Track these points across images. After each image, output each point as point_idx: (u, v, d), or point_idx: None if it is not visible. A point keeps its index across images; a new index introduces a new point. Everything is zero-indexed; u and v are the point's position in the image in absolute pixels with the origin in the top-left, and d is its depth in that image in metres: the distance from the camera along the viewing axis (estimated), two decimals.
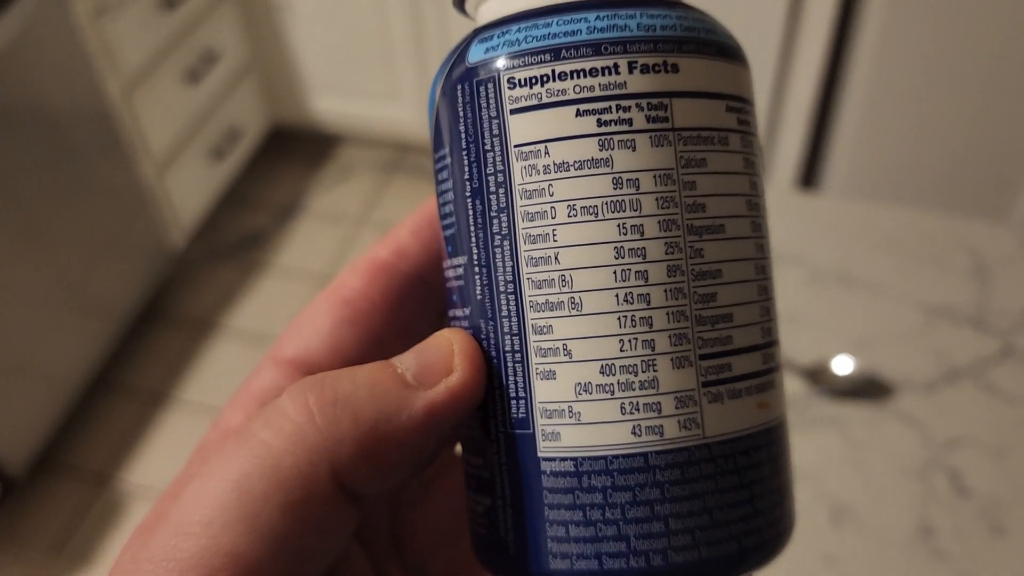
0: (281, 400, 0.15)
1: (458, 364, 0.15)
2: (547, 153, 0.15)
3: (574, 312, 0.15)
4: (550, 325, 0.15)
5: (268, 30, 1.59)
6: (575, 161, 0.15)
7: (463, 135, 0.16)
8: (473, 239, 0.16)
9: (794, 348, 0.59)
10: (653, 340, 0.15)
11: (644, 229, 0.15)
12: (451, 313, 0.17)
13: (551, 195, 0.15)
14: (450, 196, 0.16)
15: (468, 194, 0.16)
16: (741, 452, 0.16)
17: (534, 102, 0.15)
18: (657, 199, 0.15)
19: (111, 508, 1.21)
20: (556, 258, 0.15)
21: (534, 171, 0.15)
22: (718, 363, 0.15)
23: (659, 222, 0.15)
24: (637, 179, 0.15)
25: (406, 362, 0.16)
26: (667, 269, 0.15)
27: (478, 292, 0.16)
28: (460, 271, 0.16)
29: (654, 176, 0.15)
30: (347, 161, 1.76)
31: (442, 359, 0.16)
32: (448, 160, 0.16)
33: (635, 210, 0.15)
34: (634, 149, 0.15)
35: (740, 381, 0.16)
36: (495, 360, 0.16)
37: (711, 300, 0.15)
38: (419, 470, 0.16)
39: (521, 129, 0.15)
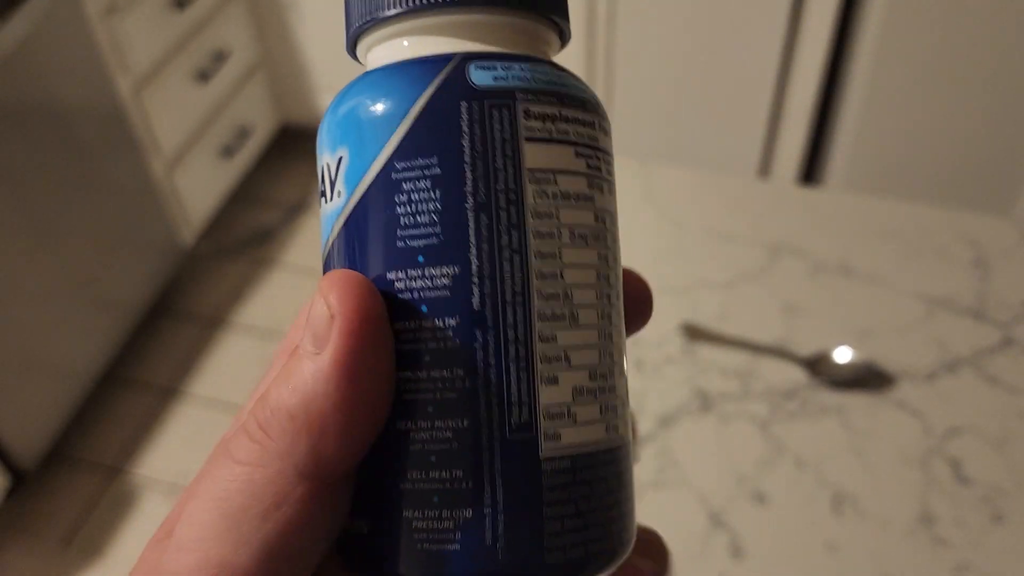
0: (243, 424, 0.17)
1: (335, 305, 0.16)
2: (555, 182, 0.17)
3: (573, 324, 0.17)
4: (555, 335, 0.17)
5: (277, 29, 1.60)
6: (574, 193, 0.17)
7: (466, 149, 0.17)
8: (474, 250, 0.16)
9: (795, 339, 0.59)
10: (612, 351, 0.18)
11: (608, 258, 0.18)
12: (420, 324, 0.17)
13: (558, 219, 0.17)
14: (435, 206, 0.17)
15: (469, 206, 0.16)
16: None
17: (546, 135, 0.17)
18: (611, 235, 0.18)
19: (121, 501, 1.22)
20: (561, 275, 0.17)
21: (545, 195, 0.17)
22: (626, 375, 0.19)
23: (613, 255, 0.18)
24: (604, 217, 0.18)
25: (303, 339, 0.17)
26: (616, 293, 0.19)
27: (476, 302, 0.16)
28: (444, 281, 0.17)
29: (609, 216, 0.18)
30: None
31: (322, 311, 0.16)
32: (437, 170, 0.17)
33: (605, 241, 0.18)
34: (602, 192, 0.18)
35: None
36: (493, 368, 0.16)
37: (620, 321, 0.19)
38: (375, 422, 0.17)
39: (534, 156, 0.17)
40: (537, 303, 0.17)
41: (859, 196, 0.74)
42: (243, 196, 1.66)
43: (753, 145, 1.28)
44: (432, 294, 0.17)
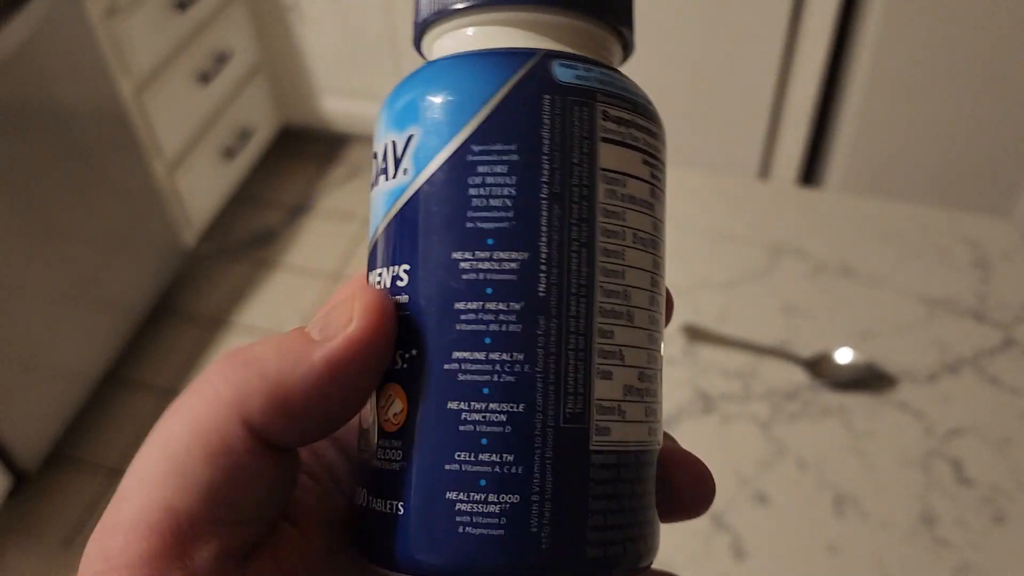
0: (206, 369, 0.17)
1: (357, 314, 0.16)
2: (625, 184, 0.18)
3: (629, 323, 0.18)
4: (612, 331, 0.17)
5: (278, 31, 1.61)
6: (640, 198, 0.18)
7: (546, 141, 0.17)
8: (544, 239, 0.17)
9: (796, 340, 0.59)
10: (656, 357, 0.19)
11: (659, 266, 0.19)
12: (483, 306, 0.17)
13: (625, 220, 0.18)
14: (509, 191, 0.17)
15: (544, 196, 0.17)
16: None
17: (619, 139, 0.18)
18: (663, 245, 0.19)
19: None
20: (624, 274, 0.17)
21: (615, 196, 0.17)
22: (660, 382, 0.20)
23: (663, 264, 0.19)
24: (659, 226, 0.19)
25: (315, 322, 0.17)
26: (661, 302, 0.19)
27: (542, 289, 0.17)
28: (511, 265, 0.17)
29: (662, 227, 0.19)
30: (355, 161, 1.77)
31: (344, 312, 0.16)
32: (515, 157, 0.17)
33: (658, 249, 0.19)
34: (659, 202, 0.19)
35: None
36: (552, 356, 0.17)
37: (663, 329, 0.20)
38: (332, 423, 0.17)
39: (608, 157, 0.17)
40: (600, 298, 0.17)
41: (859, 197, 0.74)
42: (244, 197, 1.67)
43: (753, 146, 1.28)
44: (498, 277, 0.17)
